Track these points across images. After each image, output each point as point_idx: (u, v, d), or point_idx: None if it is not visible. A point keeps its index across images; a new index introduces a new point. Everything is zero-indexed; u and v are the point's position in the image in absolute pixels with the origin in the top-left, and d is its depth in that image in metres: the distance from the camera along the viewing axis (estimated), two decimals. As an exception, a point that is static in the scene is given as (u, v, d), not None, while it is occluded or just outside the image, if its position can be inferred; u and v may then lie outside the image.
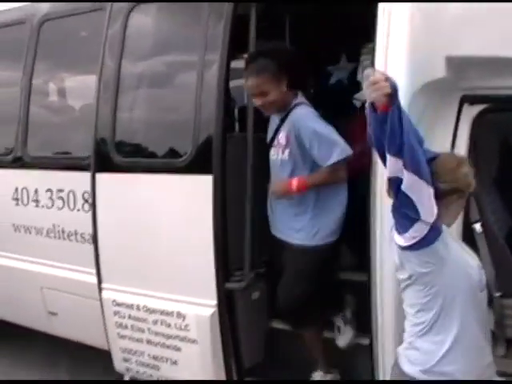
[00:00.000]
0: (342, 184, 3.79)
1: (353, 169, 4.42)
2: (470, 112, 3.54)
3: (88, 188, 4.44)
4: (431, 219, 2.46)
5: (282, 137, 3.81)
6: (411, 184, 2.41)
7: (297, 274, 3.84)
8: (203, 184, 3.82)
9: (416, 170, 2.40)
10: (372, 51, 5.69)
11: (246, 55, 4.07)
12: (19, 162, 5.00)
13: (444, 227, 2.59)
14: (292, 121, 3.74)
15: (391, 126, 2.35)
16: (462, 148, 3.54)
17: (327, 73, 5.44)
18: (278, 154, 3.85)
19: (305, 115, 3.74)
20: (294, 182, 3.72)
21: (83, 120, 4.82)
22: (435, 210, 2.47)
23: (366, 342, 3.68)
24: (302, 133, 3.66)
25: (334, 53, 5.38)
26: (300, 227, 3.81)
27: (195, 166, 3.89)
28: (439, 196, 2.56)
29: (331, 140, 3.64)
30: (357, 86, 4.96)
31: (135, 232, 4.22)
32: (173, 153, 4.15)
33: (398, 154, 2.38)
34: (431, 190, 2.46)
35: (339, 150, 3.62)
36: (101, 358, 4.94)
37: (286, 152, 3.77)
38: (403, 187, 2.42)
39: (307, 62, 4.81)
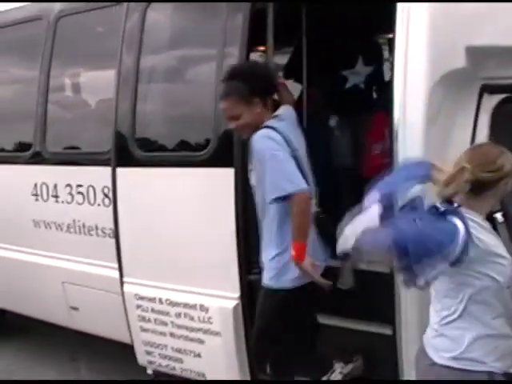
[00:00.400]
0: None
1: (374, 168, 4.48)
2: (490, 102, 3.53)
3: (107, 183, 4.47)
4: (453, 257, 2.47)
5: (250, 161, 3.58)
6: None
7: (262, 315, 3.60)
8: (225, 177, 3.83)
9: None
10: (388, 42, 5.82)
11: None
12: (38, 158, 5.03)
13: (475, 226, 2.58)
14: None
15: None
16: (482, 138, 3.55)
17: (342, 77, 5.17)
18: (251, 180, 3.61)
19: (257, 135, 3.35)
20: (293, 253, 3.34)
21: (102, 115, 4.85)
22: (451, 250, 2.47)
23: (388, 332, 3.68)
24: (254, 155, 3.41)
25: (349, 56, 5.18)
26: (267, 265, 3.53)
27: (216, 159, 3.90)
28: (485, 187, 2.57)
29: (278, 170, 3.27)
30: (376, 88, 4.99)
31: (157, 226, 4.24)
32: (194, 146, 4.17)
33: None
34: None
35: (284, 184, 3.25)
36: (121, 353, 5.00)
37: (253, 177, 3.53)
38: None
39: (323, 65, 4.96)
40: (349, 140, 5.18)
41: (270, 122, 3.40)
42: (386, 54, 5.65)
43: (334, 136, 5.23)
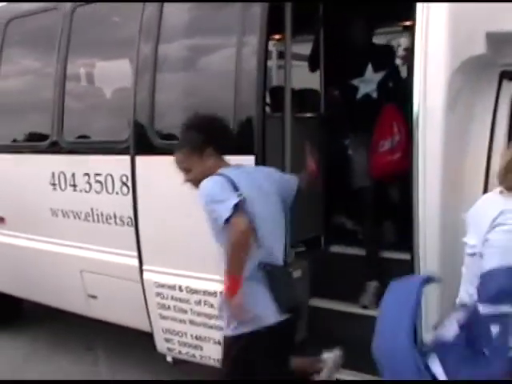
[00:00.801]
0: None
1: (383, 165, 4.47)
2: (510, 88, 3.55)
3: (126, 171, 4.49)
4: None
5: None
6: None
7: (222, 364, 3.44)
8: (246, 164, 3.82)
9: None
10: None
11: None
12: (56, 147, 5.04)
13: None
14: None
15: None
16: (502, 124, 3.56)
17: (353, 87, 4.83)
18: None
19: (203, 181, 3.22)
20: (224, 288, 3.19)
21: (120, 104, 4.87)
22: None
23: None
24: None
25: (358, 65, 4.86)
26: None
27: (236, 146, 3.90)
28: None
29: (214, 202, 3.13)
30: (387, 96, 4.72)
31: (176, 213, 4.25)
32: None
33: None
34: None
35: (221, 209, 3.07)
36: (138, 341, 5.04)
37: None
38: None
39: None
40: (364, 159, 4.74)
41: (220, 170, 3.27)
42: (399, 50, 5.62)
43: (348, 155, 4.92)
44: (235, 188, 3.13)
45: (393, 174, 4.49)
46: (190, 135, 3.36)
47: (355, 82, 4.79)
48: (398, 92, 4.66)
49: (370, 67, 4.77)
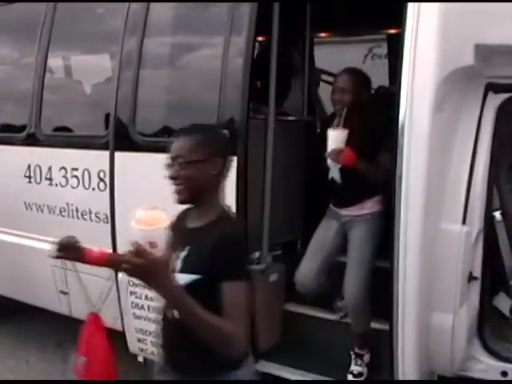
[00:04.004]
0: None
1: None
2: (495, 100, 3.57)
3: (103, 167, 4.42)
4: None
5: None
6: None
7: None
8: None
9: None
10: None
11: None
12: (32, 140, 4.94)
13: None
14: None
15: None
16: (486, 136, 3.57)
17: None
18: None
19: None
20: None
21: (100, 98, 4.81)
22: None
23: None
24: None
25: None
26: None
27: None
28: None
29: None
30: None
31: (154, 212, 4.19)
32: (195, 133, 4.12)
33: None
34: None
35: None
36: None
37: None
38: None
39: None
40: None
41: None
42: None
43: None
44: None
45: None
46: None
47: None
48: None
49: None
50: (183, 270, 2.33)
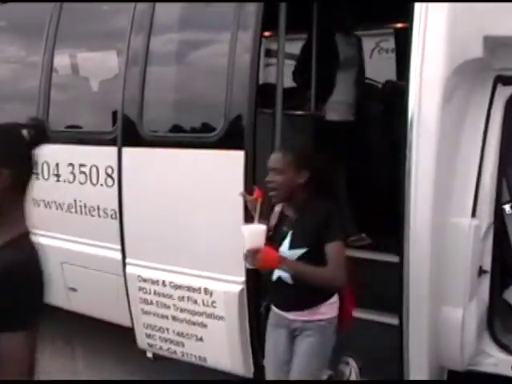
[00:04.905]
0: None
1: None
2: (504, 92, 3.56)
3: (111, 163, 4.41)
4: None
5: None
6: None
7: None
8: (234, 159, 3.78)
9: None
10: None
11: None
12: (40, 136, 4.93)
13: None
14: None
15: None
16: (495, 129, 3.56)
17: None
18: None
19: None
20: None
21: (107, 95, 4.80)
22: None
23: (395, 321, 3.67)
24: None
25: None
26: None
27: (227, 141, 3.85)
28: None
29: None
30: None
31: (162, 207, 4.19)
32: (203, 128, 4.12)
33: None
34: None
35: None
36: (117, 336, 4.95)
37: None
38: None
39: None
40: None
41: None
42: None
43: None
44: None
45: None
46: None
47: None
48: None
49: None
50: None
